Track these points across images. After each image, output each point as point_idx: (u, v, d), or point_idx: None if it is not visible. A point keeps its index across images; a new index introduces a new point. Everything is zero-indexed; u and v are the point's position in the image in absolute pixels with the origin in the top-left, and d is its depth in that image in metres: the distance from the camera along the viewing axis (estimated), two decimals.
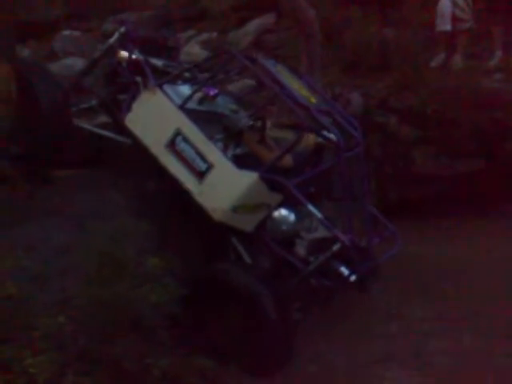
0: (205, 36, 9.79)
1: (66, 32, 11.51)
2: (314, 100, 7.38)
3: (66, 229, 6.93)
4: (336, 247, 7.08)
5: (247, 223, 7.22)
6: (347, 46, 10.64)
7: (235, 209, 7.05)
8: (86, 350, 5.62)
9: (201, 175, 7.13)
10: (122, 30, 8.23)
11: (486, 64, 10.88)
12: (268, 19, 11.76)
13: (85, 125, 8.29)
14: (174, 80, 7.75)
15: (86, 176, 7.90)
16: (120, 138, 7.89)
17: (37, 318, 5.74)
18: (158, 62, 8.10)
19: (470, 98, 9.90)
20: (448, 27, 10.94)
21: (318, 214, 7.08)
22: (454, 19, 10.91)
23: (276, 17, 11.80)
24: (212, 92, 7.77)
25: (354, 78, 9.99)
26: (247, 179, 7.02)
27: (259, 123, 7.64)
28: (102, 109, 8.33)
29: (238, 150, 7.53)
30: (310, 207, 7.06)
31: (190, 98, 7.40)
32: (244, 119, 7.67)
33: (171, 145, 7.26)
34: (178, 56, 8.84)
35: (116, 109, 7.98)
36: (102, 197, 7.43)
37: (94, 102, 8.37)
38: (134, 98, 7.66)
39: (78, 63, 9.73)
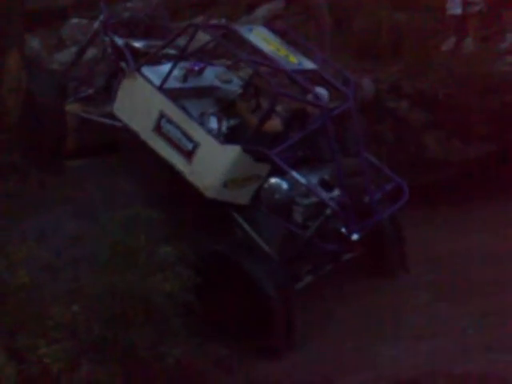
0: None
1: (75, 20, 11.45)
2: (294, 59, 7.29)
3: (77, 218, 6.95)
4: (328, 211, 7.06)
5: (241, 197, 7.24)
6: (357, 31, 10.60)
7: (225, 184, 7.05)
8: (99, 339, 5.61)
9: (189, 155, 7.12)
10: (102, 17, 8.21)
11: (497, 47, 10.82)
12: (277, 5, 11.71)
13: (89, 115, 8.25)
14: (155, 61, 7.67)
15: (98, 165, 7.90)
16: (116, 123, 7.80)
17: (50, 307, 5.73)
18: (138, 44, 8.02)
19: (481, 82, 9.85)
20: (458, 10, 10.88)
21: (303, 180, 7.02)
22: (465, 2, 10.85)
23: (285, 2, 11.75)
24: (197, 67, 7.67)
25: (364, 63, 9.94)
26: (231, 153, 7.01)
27: (252, 90, 7.60)
28: (99, 96, 8.29)
29: (232, 122, 7.52)
30: (294, 174, 7.00)
31: (167, 78, 7.30)
32: (235, 89, 7.66)
33: (158, 128, 7.24)
34: (169, 34, 8.70)
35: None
36: (113, 186, 7.43)
37: (90, 91, 8.36)
38: (119, 84, 7.64)
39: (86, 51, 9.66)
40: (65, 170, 7.73)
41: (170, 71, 7.33)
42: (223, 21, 10.85)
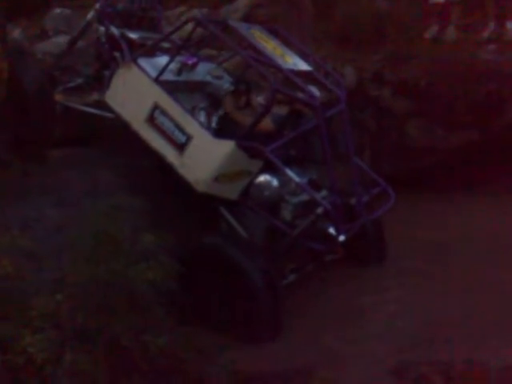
0: (196, 12, 9.71)
1: (57, 10, 11.41)
2: (289, 59, 7.33)
3: (60, 207, 6.93)
4: (319, 210, 7.08)
5: (231, 191, 7.27)
6: (339, 19, 10.60)
7: (217, 178, 7.07)
8: (83, 328, 5.61)
9: (181, 147, 7.14)
10: (97, 6, 8.16)
11: (479, 35, 10.85)
12: None
13: (75, 104, 8.27)
14: (151, 52, 7.70)
15: (80, 155, 7.89)
16: (109, 115, 7.82)
17: (34, 296, 5.73)
18: (134, 35, 8.02)
19: (463, 70, 9.88)
20: None
21: (296, 178, 7.07)
22: None
23: None
24: (190, 61, 7.71)
25: (346, 52, 9.95)
26: (225, 148, 7.03)
27: (243, 87, 7.60)
28: (88, 86, 8.30)
29: (222, 117, 7.51)
30: (288, 172, 7.05)
31: (163, 70, 7.32)
32: (226, 85, 7.66)
33: (150, 119, 7.25)
34: (160, 26, 8.73)
35: (102, 85, 7.92)
36: (96, 175, 7.42)
37: (80, 81, 8.36)
38: (113, 73, 7.62)
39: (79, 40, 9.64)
40: (47, 160, 7.71)
41: (168, 64, 7.35)
42: (205, 10, 10.84)
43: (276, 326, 6.91)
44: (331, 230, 7.18)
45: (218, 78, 7.97)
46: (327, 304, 7.40)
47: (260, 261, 6.95)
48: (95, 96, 8.32)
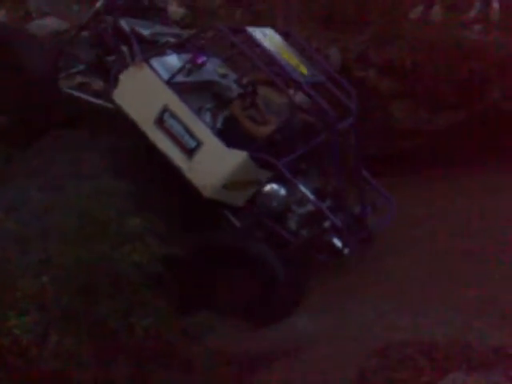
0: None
1: None
2: (304, 70, 7.30)
3: (45, 190, 6.94)
4: (327, 224, 7.19)
5: (237, 199, 7.30)
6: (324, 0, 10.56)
7: (225, 185, 7.11)
8: (69, 310, 5.64)
9: (190, 152, 7.14)
10: None
11: (465, 15, 10.83)
12: None
13: (75, 92, 8.20)
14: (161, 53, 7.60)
15: (64, 137, 7.87)
16: (110, 105, 7.74)
17: (19, 278, 5.75)
18: (144, 32, 7.91)
19: (449, 51, 9.87)
20: None
21: (310, 195, 7.16)
22: None
23: None
24: (200, 60, 7.60)
25: (330, 32, 9.92)
26: (236, 158, 7.05)
27: (250, 88, 7.52)
28: (90, 73, 8.23)
29: (227, 118, 7.52)
30: (302, 188, 7.15)
31: (176, 74, 7.28)
32: (234, 87, 7.65)
33: (159, 121, 7.22)
34: (166, 16, 8.66)
35: (105, 72, 7.89)
36: (80, 158, 7.41)
37: (82, 67, 8.25)
38: (119, 69, 7.56)
39: (53, 23, 9.61)
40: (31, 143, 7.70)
41: (181, 68, 7.35)
42: None
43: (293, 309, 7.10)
44: (336, 242, 7.28)
45: (224, 76, 7.93)
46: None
47: (278, 254, 7.14)
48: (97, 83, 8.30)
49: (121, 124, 7.50)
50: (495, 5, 10.69)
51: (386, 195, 7.88)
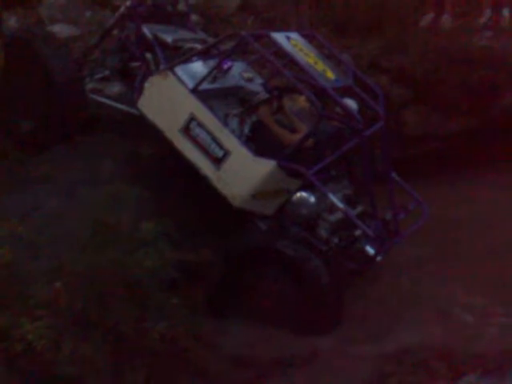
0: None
1: None
2: (331, 75, 7.15)
3: (59, 196, 6.91)
4: (358, 232, 7.10)
5: (267, 207, 7.21)
6: (337, 7, 10.57)
7: (254, 195, 7.01)
8: (82, 316, 5.62)
9: (218, 161, 7.03)
10: (128, 3, 7.96)
11: (475, 22, 10.85)
12: None
13: (98, 97, 8.13)
14: (186, 60, 7.44)
15: (78, 143, 7.84)
16: (134, 111, 7.64)
17: (33, 284, 5.73)
18: (168, 38, 7.78)
19: (460, 57, 9.88)
20: None
21: (340, 204, 7.00)
22: None
23: None
24: (226, 65, 7.47)
25: (343, 39, 9.93)
26: (265, 167, 6.93)
27: (276, 93, 7.42)
28: (115, 78, 8.15)
29: (255, 124, 7.42)
30: (332, 197, 6.98)
31: (201, 82, 7.15)
32: (261, 91, 7.48)
33: (186, 130, 7.12)
34: (189, 21, 8.54)
35: (129, 78, 7.85)
36: (94, 163, 7.39)
37: (106, 72, 8.17)
38: (144, 77, 7.48)
39: (64, 30, 9.62)
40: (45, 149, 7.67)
41: (206, 75, 7.22)
42: None
43: (337, 318, 7.03)
44: (368, 249, 7.19)
45: (250, 80, 7.78)
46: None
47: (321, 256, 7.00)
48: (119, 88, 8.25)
49: (140, 129, 7.46)
50: (505, 12, 10.72)
51: (418, 198, 7.72)
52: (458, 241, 8.24)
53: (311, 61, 7.12)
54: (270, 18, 8.89)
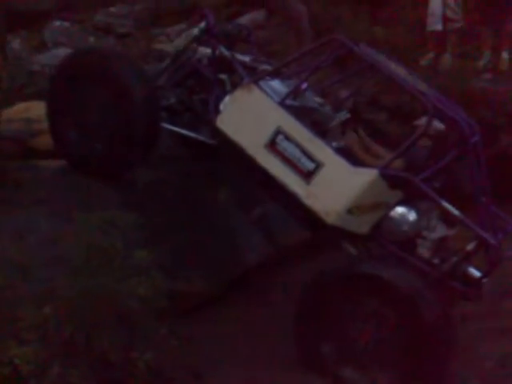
0: (195, 30, 9.70)
1: (57, 23, 11.48)
2: (422, 86, 6.91)
3: (53, 219, 6.89)
4: (470, 247, 6.50)
5: (363, 225, 6.61)
6: None
7: (350, 210, 6.45)
8: (71, 342, 5.59)
9: (308, 175, 6.53)
10: (203, 25, 7.75)
11: (475, 64, 10.94)
12: (258, 15, 11.71)
13: (169, 126, 7.73)
14: (268, 76, 7.17)
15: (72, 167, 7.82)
16: (204, 139, 7.47)
17: (22, 308, 5.70)
18: (245, 58, 7.63)
19: (458, 97, 9.92)
20: (439, 27, 11.00)
21: (457, 212, 6.45)
22: (445, 19, 10.96)
23: (267, 13, 11.77)
24: (303, 86, 7.18)
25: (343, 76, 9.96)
26: (366, 177, 6.41)
27: (354, 117, 7.18)
28: (181, 108, 7.81)
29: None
30: (446, 204, 6.43)
31: (290, 94, 6.88)
32: (333, 116, 7.19)
33: (271, 144, 6.69)
34: (253, 46, 8.28)
35: (196, 109, 7.63)
36: (90, 188, 7.37)
37: (173, 100, 7.81)
38: (218, 97, 7.23)
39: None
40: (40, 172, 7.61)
41: (297, 87, 6.97)
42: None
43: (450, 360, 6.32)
44: (473, 271, 6.55)
45: (322, 105, 7.44)
46: None
47: (430, 291, 6.30)
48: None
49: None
50: (504, 55, 10.82)
51: (509, 219, 7.07)
52: None
53: (403, 73, 6.94)
54: (273, 51, 8.88)
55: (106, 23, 11.73)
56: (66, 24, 11.31)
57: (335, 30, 10.78)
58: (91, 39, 9.92)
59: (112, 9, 12.11)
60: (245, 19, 11.63)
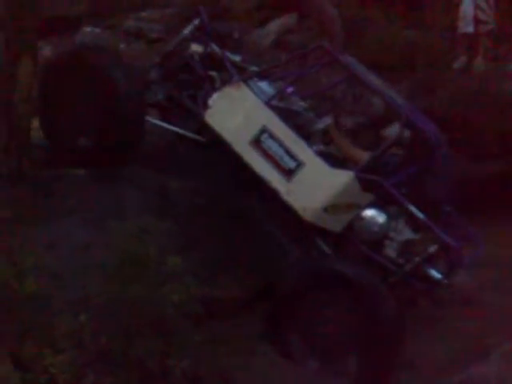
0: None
1: (88, 29, 11.54)
2: (399, 99, 7.25)
3: (86, 227, 6.88)
4: (432, 249, 6.89)
5: (336, 224, 7.00)
6: (369, 47, 10.59)
7: (326, 209, 6.86)
8: (107, 350, 5.58)
9: (289, 173, 6.92)
10: (196, 22, 7.94)
11: (507, 66, 10.84)
12: (290, 19, 11.72)
13: (156, 121, 7.93)
14: (256, 76, 7.51)
15: (104, 175, 7.80)
16: (193, 136, 7.65)
17: (57, 316, 5.70)
18: (235, 58, 7.84)
19: (491, 101, 9.85)
20: (470, 29, 10.93)
21: (421, 216, 6.86)
22: (477, 21, 10.88)
23: (298, 17, 11.76)
24: (289, 89, 7.51)
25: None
26: (342, 178, 6.84)
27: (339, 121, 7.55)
28: (170, 104, 7.98)
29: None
30: (412, 208, 6.84)
31: (276, 94, 7.20)
32: (317, 121, 7.41)
33: (256, 142, 7.04)
34: (242, 48, 8.60)
35: (185, 105, 7.76)
36: (122, 196, 7.36)
37: (161, 96, 7.96)
38: (208, 93, 7.44)
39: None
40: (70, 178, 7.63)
41: (283, 89, 7.34)
42: (236, 34, 10.82)
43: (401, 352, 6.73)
44: (433, 273, 6.95)
45: (306, 110, 7.71)
46: None
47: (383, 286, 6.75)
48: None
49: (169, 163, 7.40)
50: None
51: (472, 231, 7.45)
52: None
53: (379, 83, 7.23)
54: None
55: (137, 28, 11.80)
56: (97, 30, 11.37)
57: (368, 33, 10.78)
58: (122, 45, 9.91)
59: (143, 14, 12.16)
60: (276, 23, 11.64)
